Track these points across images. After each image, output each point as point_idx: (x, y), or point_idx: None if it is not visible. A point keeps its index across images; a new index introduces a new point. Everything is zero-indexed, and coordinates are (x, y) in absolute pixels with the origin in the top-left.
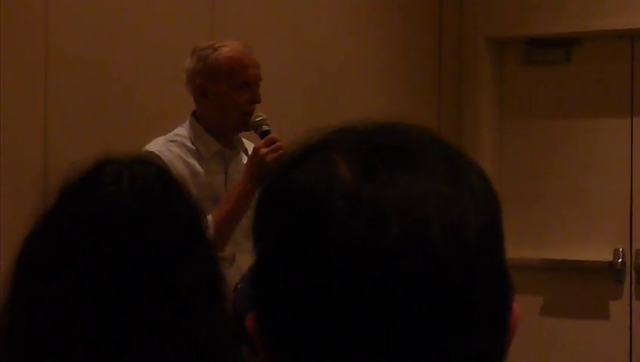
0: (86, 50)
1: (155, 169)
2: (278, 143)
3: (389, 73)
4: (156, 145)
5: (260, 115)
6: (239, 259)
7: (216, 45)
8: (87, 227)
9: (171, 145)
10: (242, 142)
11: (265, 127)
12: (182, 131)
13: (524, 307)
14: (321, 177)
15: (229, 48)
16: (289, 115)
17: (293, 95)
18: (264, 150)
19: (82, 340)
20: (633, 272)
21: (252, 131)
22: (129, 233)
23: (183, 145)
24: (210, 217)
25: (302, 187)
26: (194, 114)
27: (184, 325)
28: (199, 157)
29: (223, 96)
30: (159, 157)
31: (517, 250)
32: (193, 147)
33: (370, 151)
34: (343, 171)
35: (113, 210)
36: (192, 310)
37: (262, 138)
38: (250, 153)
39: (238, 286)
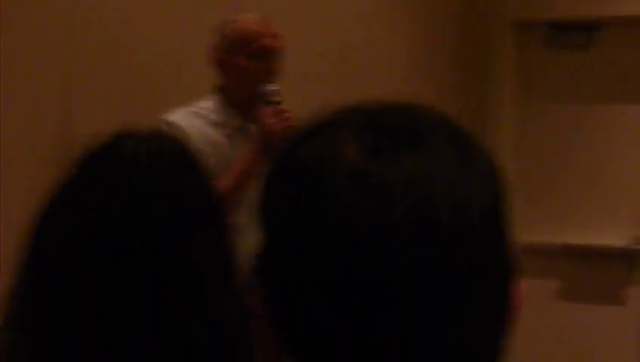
0: (110, 22)
1: (174, 144)
2: (286, 115)
3: (412, 53)
4: (175, 115)
5: (271, 85)
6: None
7: (235, 19)
8: (103, 201)
9: (192, 116)
10: None
11: (275, 98)
12: (205, 104)
13: (541, 290)
14: (328, 155)
15: (245, 19)
16: (312, 90)
17: (316, 70)
18: (271, 120)
19: (97, 313)
20: None
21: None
22: (145, 209)
23: (206, 117)
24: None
25: (308, 165)
26: (220, 88)
27: (199, 301)
28: (221, 131)
29: (238, 67)
30: (176, 127)
31: (537, 233)
32: (216, 120)
33: (377, 130)
34: (349, 150)
35: (130, 185)
36: (208, 287)
37: (271, 108)
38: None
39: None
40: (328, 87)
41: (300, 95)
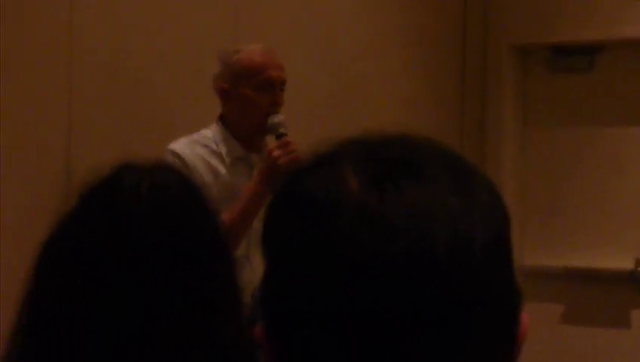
0: (110, 50)
1: (176, 176)
2: (292, 147)
3: (412, 80)
4: (179, 145)
5: (277, 117)
6: (256, 263)
7: (238, 48)
8: (105, 234)
9: (195, 146)
10: None
11: (281, 130)
12: (207, 133)
13: (545, 314)
14: (330, 188)
15: (249, 50)
16: (311, 120)
17: (316, 101)
18: (277, 153)
19: (99, 343)
20: None
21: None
22: (146, 241)
23: (207, 146)
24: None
25: (311, 197)
26: (221, 117)
27: (202, 333)
28: (223, 160)
29: (244, 98)
30: (180, 157)
31: (539, 257)
32: (217, 150)
33: (379, 163)
34: (351, 183)
35: (132, 217)
36: (211, 318)
37: (277, 140)
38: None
39: (256, 293)
40: (328, 119)
41: (299, 126)
